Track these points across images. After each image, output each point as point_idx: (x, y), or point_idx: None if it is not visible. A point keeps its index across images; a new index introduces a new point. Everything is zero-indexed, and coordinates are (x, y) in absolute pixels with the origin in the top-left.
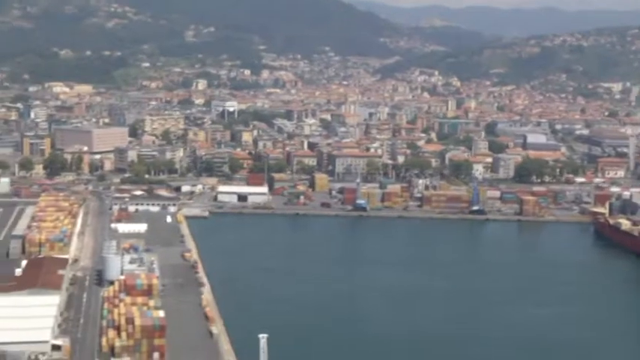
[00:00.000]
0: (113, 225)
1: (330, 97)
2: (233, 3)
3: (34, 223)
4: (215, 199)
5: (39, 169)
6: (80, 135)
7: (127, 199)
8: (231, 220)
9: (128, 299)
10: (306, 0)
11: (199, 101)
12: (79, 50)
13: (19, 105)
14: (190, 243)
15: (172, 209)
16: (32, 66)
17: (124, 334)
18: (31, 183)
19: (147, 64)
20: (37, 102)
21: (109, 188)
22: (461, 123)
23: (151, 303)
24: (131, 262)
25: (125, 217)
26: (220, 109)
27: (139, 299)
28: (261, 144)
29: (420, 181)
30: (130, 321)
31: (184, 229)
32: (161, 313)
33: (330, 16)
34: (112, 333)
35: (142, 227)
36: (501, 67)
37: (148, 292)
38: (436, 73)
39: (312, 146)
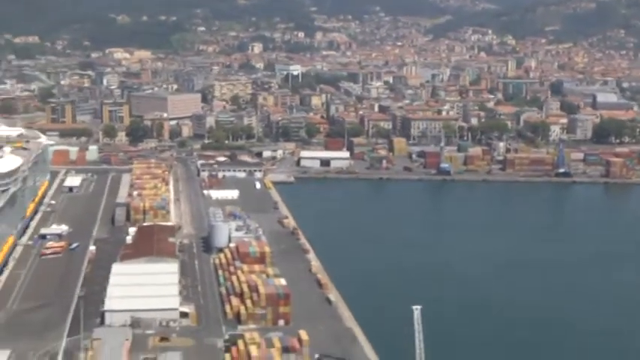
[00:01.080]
0: (206, 192)
1: (386, 59)
2: None
3: (135, 191)
4: (298, 164)
5: (122, 136)
6: (156, 101)
7: (215, 166)
8: (317, 185)
9: (245, 267)
10: None
11: (259, 65)
12: (134, 16)
13: (89, 72)
14: (284, 209)
15: (258, 175)
16: (91, 32)
17: (248, 302)
18: (117, 150)
19: (202, 29)
20: (108, 69)
21: (192, 154)
22: (525, 83)
23: (270, 271)
24: (237, 229)
25: (215, 183)
26: (284, 72)
27: (256, 267)
28: (333, 108)
29: (501, 144)
30: (253, 289)
31: (274, 194)
32: (283, 281)
33: None
34: (235, 301)
35: (234, 194)
36: (556, 24)
37: (261, 259)
38: (489, 32)
39: (382, 109)
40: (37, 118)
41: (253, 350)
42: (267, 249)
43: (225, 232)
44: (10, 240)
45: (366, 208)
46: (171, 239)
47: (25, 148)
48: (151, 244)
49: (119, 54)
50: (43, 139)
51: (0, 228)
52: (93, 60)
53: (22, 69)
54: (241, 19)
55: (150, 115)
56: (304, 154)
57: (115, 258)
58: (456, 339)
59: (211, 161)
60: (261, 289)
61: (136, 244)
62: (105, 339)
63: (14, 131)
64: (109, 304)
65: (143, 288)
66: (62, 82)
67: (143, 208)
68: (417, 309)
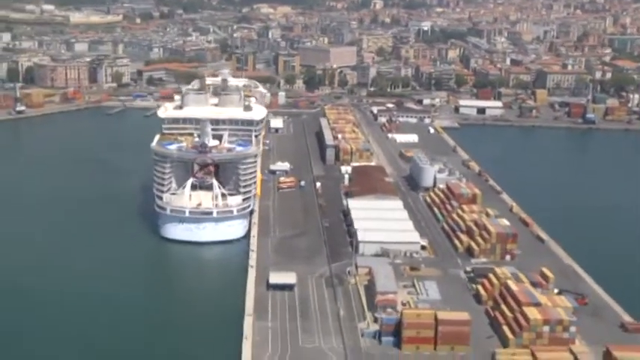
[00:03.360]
0: (390, 135)
1: (494, 16)
2: None
3: (339, 134)
4: (456, 111)
5: (299, 84)
6: (320, 53)
7: (394, 112)
8: (477, 130)
9: (465, 207)
10: None
11: (387, 20)
12: None
13: (254, 26)
14: (461, 152)
15: (427, 120)
16: None
17: (479, 239)
18: (297, 95)
19: None
20: (273, 24)
21: (361, 101)
22: (631, 39)
23: (490, 211)
24: (440, 171)
25: (394, 127)
26: (417, 28)
27: (474, 207)
28: (472, 61)
29: (637, 96)
30: (482, 227)
31: (447, 139)
32: (506, 221)
33: None
34: (464, 237)
35: (414, 137)
36: None
37: (473, 199)
38: None
39: (515, 62)
40: (223, 66)
41: (512, 284)
42: (477, 191)
43: (431, 174)
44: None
45: (530, 152)
46: (387, 179)
47: (253, 97)
48: (372, 182)
49: (265, 9)
50: (260, 88)
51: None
52: (243, 14)
53: (195, 22)
54: None
55: (319, 65)
56: (462, 102)
57: (337, 193)
58: None
59: (382, 107)
60: (491, 228)
61: (359, 182)
62: (375, 267)
63: (240, 82)
64: (362, 235)
65: (384, 222)
66: (235, 35)
67: (350, 150)
68: None
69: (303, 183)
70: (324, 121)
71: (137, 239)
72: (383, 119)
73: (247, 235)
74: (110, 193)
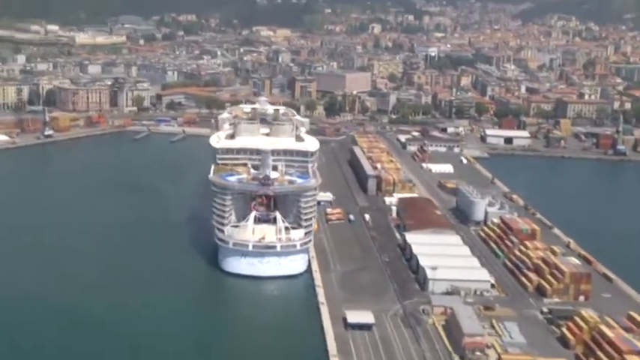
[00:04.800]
0: (424, 165)
1: (495, 42)
2: None
3: (377, 164)
4: (483, 140)
5: (319, 110)
6: (335, 79)
7: (425, 141)
8: (506, 160)
9: (529, 244)
10: None
11: (389, 44)
12: None
13: (261, 50)
14: (499, 184)
15: (456, 150)
16: (237, 12)
17: (550, 278)
18: (317, 122)
19: (329, 10)
20: (283, 48)
21: (385, 128)
22: (638, 68)
23: (556, 249)
24: (490, 204)
25: (426, 157)
26: (423, 53)
27: (538, 244)
28: (489, 89)
29: None
30: (553, 266)
31: (481, 169)
32: (575, 260)
33: None
34: (532, 275)
35: (449, 168)
36: (633, 11)
37: (532, 236)
38: (573, 18)
39: (530, 91)
40: (239, 90)
41: (606, 330)
42: (535, 227)
43: (482, 208)
44: None
45: (566, 184)
46: (437, 211)
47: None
48: (424, 215)
49: (264, 32)
50: (298, 116)
51: None
52: (246, 37)
53: (201, 45)
54: (354, 2)
55: (335, 90)
56: (489, 132)
57: (387, 225)
58: None
59: (409, 136)
60: (563, 267)
61: (411, 216)
62: (456, 308)
63: (273, 108)
64: (431, 273)
65: (449, 259)
66: (244, 59)
67: (393, 181)
68: None
69: (352, 217)
70: (358, 150)
71: (195, 271)
72: (412, 148)
73: (308, 270)
74: (157, 221)
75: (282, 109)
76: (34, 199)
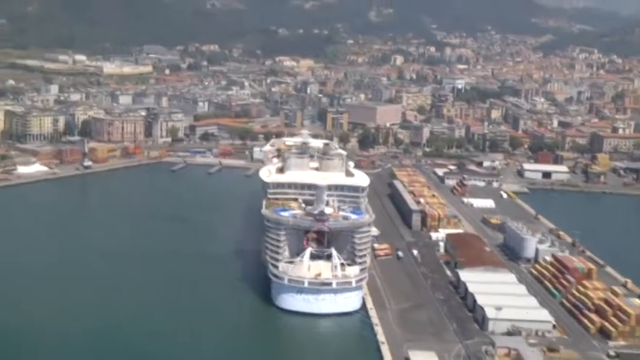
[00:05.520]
0: (465, 200)
1: (519, 74)
2: None
3: (420, 199)
4: (520, 174)
5: (354, 142)
6: (366, 111)
7: (464, 176)
8: (546, 195)
9: (589, 284)
10: None
11: (412, 75)
12: (291, 29)
13: (288, 80)
14: (544, 219)
15: (495, 184)
16: (260, 42)
17: (614, 320)
18: (354, 154)
19: (351, 41)
20: (311, 79)
21: (420, 161)
22: None
23: (617, 290)
24: (540, 241)
25: (466, 191)
26: (450, 85)
27: (597, 284)
28: (521, 122)
29: None
30: (616, 307)
31: (523, 204)
32: (638, 301)
33: None
34: (594, 316)
35: (490, 203)
36: None
37: (589, 275)
38: (595, 51)
39: (563, 125)
40: (269, 122)
41: None
42: (591, 266)
43: (533, 245)
44: None
45: (610, 220)
46: (487, 248)
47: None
48: (475, 252)
49: (287, 62)
50: (340, 150)
51: None
52: (270, 67)
53: (227, 75)
54: (375, 33)
55: (367, 122)
56: (527, 166)
57: (436, 262)
58: None
59: (445, 169)
60: (629, 310)
61: (462, 252)
62: (522, 350)
63: (320, 142)
64: (490, 312)
65: (506, 298)
66: (272, 90)
67: (438, 216)
68: None
69: (401, 253)
70: (398, 184)
71: (247, 306)
72: (450, 182)
73: (363, 307)
74: (202, 253)
75: (323, 143)
76: (78, 231)
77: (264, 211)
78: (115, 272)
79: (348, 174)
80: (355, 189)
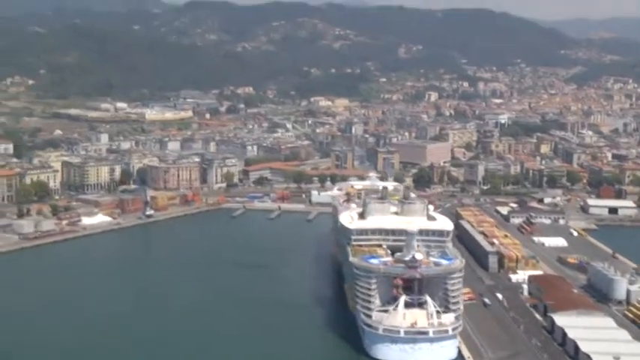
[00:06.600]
0: (536, 238)
1: (558, 107)
2: (434, 24)
3: (493, 239)
4: (584, 210)
5: (409, 182)
6: (415, 149)
7: (531, 214)
8: (616, 232)
9: None
10: (495, 19)
11: (450, 111)
12: (323, 69)
13: (331, 121)
14: (623, 258)
15: (562, 222)
16: (293, 83)
17: None
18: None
19: (384, 79)
20: (355, 119)
21: (479, 200)
22: None
23: None
24: (630, 282)
25: (534, 230)
26: (494, 121)
27: None
28: (575, 156)
29: None
30: None
31: (595, 242)
32: None
33: (516, 32)
34: None
35: (561, 241)
36: None
37: None
38: (630, 81)
39: (617, 157)
40: (319, 164)
41: None
42: None
43: (624, 286)
44: None
45: None
46: (574, 290)
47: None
48: (564, 295)
49: (323, 102)
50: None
51: None
52: (307, 108)
53: (268, 118)
54: (406, 70)
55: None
56: (591, 202)
57: (522, 305)
58: None
59: (508, 207)
60: None
61: (550, 295)
62: None
63: (389, 185)
64: None
65: (610, 344)
66: (317, 131)
67: (516, 257)
68: None
69: (488, 301)
70: (466, 224)
71: (341, 357)
72: (515, 220)
73: (459, 356)
74: (280, 301)
75: (392, 186)
76: (154, 280)
77: (352, 259)
78: (200, 322)
79: (430, 218)
80: (441, 233)
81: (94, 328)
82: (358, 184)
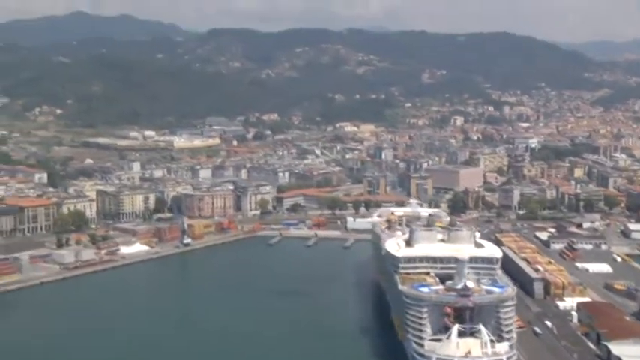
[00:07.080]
0: (579, 264)
1: (583, 130)
2: (456, 49)
3: (537, 266)
4: (625, 235)
5: (444, 208)
6: (448, 175)
7: (573, 239)
8: None
9: None
10: (517, 43)
11: (478, 136)
12: (347, 95)
13: (360, 147)
14: None
15: (604, 247)
16: (318, 109)
17: None
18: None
19: (409, 104)
20: (385, 145)
21: (515, 225)
22: None
23: None
24: None
25: (577, 256)
26: (523, 145)
27: None
28: (611, 180)
29: None
30: None
31: (639, 266)
32: None
33: (538, 55)
34: None
35: (606, 267)
36: None
37: None
38: None
39: None
40: (352, 190)
41: None
42: None
43: None
44: None
45: None
46: (627, 317)
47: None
48: (616, 322)
49: (349, 128)
50: (447, 218)
51: None
52: (334, 133)
53: (296, 144)
54: (430, 95)
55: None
56: (632, 226)
57: (573, 334)
58: None
59: (547, 233)
60: None
61: (601, 323)
62: None
63: (429, 211)
64: None
65: None
66: (347, 157)
67: (562, 284)
68: None
69: (538, 329)
70: (507, 251)
71: None
72: (556, 246)
73: None
74: (329, 330)
75: (432, 211)
76: (196, 310)
77: (401, 287)
78: (243, 351)
79: (478, 245)
80: (490, 260)
81: (137, 353)
82: (399, 211)
